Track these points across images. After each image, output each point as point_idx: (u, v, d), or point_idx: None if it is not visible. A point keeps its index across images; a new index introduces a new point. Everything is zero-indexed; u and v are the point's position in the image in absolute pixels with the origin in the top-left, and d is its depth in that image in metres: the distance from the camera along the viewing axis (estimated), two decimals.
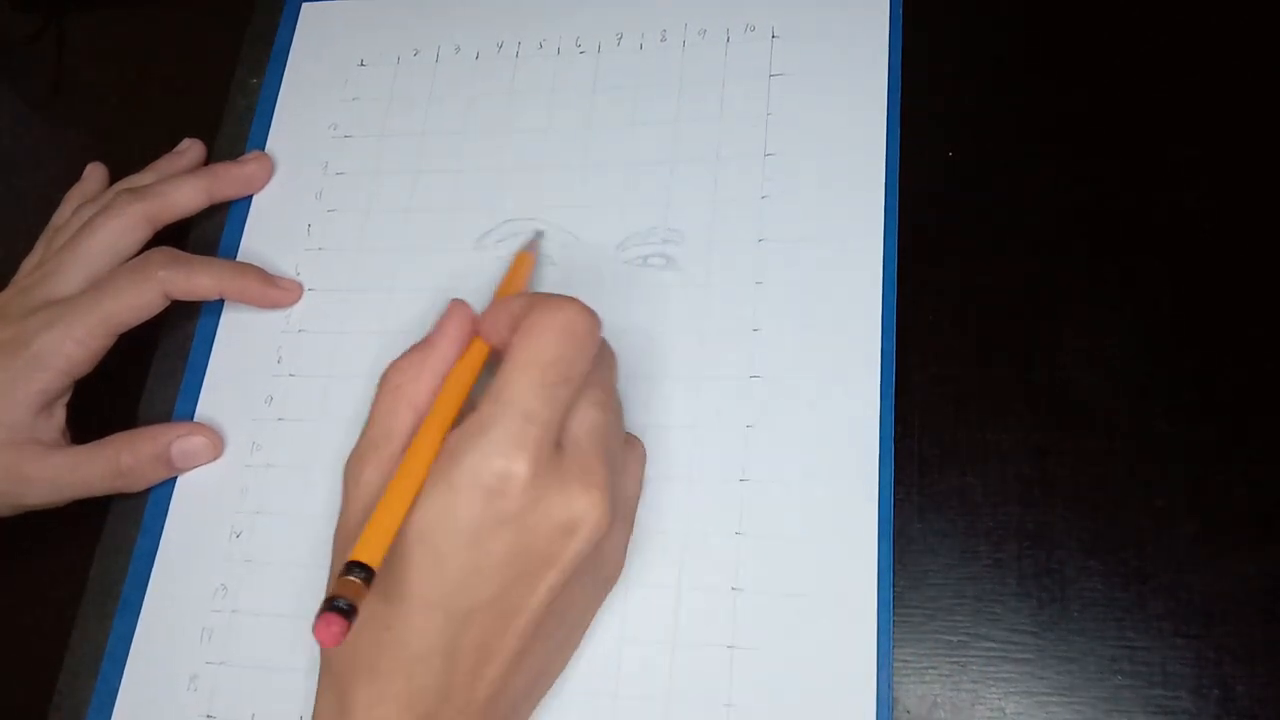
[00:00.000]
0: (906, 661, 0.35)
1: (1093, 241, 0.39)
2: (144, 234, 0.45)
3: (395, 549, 0.31)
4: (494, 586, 0.31)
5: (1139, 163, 0.40)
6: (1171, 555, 0.35)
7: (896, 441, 0.37)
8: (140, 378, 0.45)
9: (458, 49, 0.48)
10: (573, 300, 0.33)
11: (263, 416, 0.43)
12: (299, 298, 0.45)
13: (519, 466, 0.31)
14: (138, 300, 0.42)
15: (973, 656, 0.35)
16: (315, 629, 0.28)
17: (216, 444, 0.43)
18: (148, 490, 0.43)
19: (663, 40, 0.46)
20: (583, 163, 0.44)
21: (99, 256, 0.44)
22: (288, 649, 0.39)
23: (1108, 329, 0.38)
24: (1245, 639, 0.34)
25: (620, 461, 0.35)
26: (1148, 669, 0.34)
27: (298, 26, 0.51)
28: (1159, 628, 0.34)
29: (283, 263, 0.46)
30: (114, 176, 0.49)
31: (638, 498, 0.37)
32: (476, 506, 0.31)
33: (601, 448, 0.33)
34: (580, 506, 0.31)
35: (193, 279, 0.43)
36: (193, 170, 0.48)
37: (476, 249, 0.44)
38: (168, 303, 0.43)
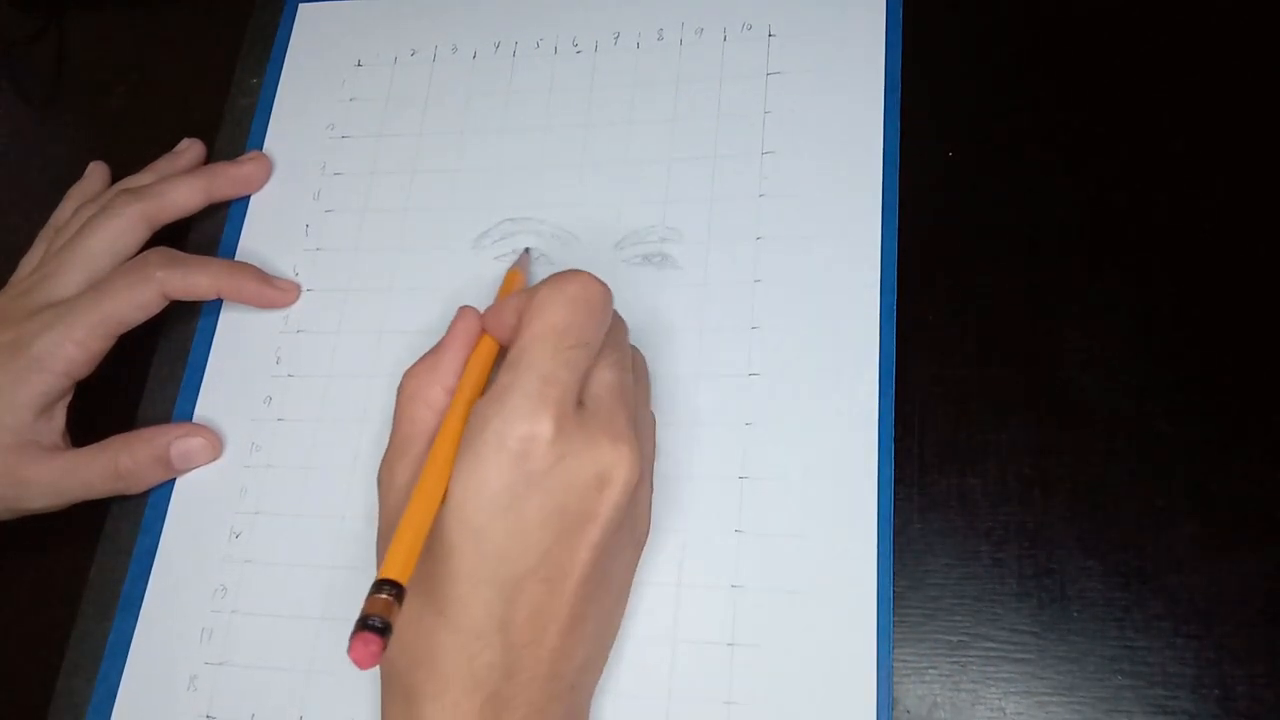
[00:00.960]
0: (906, 661, 0.35)
1: (1093, 241, 0.39)
2: (143, 234, 0.44)
3: (433, 532, 0.31)
4: (536, 551, 0.31)
5: (1139, 162, 0.40)
6: (1171, 555, 0.35)
7: (896, 441, 0.37)
8: (139, 380, 0.45)
9: (455, 49, 0.48)
10: (581, 271, 0.34)
11: (262, 417, 0.43)
12: (296, 298, 0.45)
13: (543, 426, 0.31)
14: (136, 300, 0.42)
15: (973, 656, 0.35)
16: (351, 650, 0.28)
17: (215, 445, 0.43)
18: (148, 491, 0.42)
19: (660, 39, 0.45)
20: (581, 162, 0.44)
21: (98, 257, 0.43)
22: (287, 649, 0.39)
23: (1108, 329, 0.38)
24: (1245, 639, 0.33)
25: (642, 421, 0.36)
26: (1148, 669, 0.34)
27: (295, 27, 0.51)
28: (1159, 628, 0.34)
29: (281, 263, 0.46)
30: (115, 176, 0.49)
31: (653, 461, 0.38)
32: (506, 472, 0.31)
33: (623, 403, 0.33)
34: (609, 459, 0.31)
35: (190, 279, 0.43)
36: (192, 170, 0.47)
37: (474, 249, 0.44)
38: (166, 303, 0.43)
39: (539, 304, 0.33)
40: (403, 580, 0.29)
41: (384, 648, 0.28)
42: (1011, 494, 0.36)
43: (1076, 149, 0.40)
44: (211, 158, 0.49)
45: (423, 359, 0.35)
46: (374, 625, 0.28)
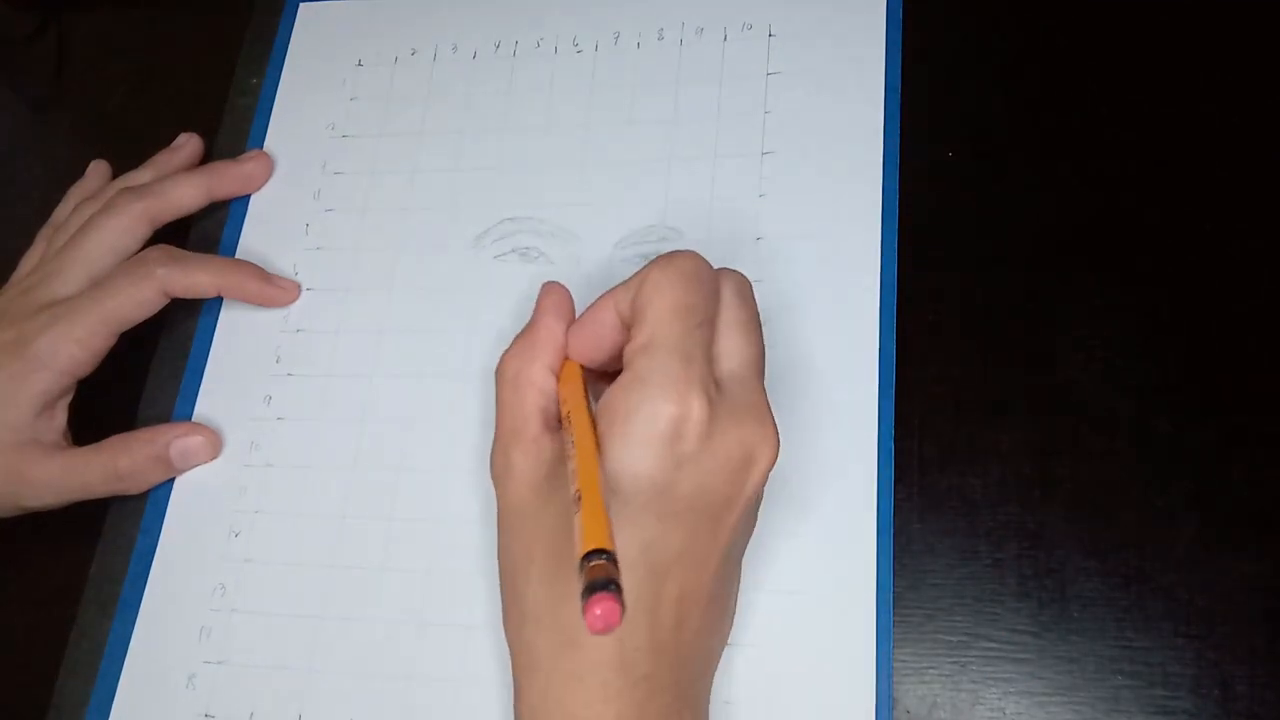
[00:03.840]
0: (906, 661, 0.34)
1: (1093, 241, 0.38)
2: (144, 232, 0.43)
3: None
4: (684, 533, 0.30)
5: (1139, 162, 0.39)
6: (1171, 555, 0.34)
7: (896, 441, 0.36)
8: (140, 379, 0.44)
9: (455, 48, 0.47)
10: (684, 250, 0.32)
11: (261, 416, 0.42)
12: (297, 297, 0.44)
13: (694, 408, 0.29)
14: (137, 298, 0.41)
15: (973, 656, 0.34)
16: (589, 613, 0.25)
17: (215, 444, 0.42)
18: (148, 490, 0.41)
19: (660, 39, 0.44)
20: (581, 161, 0.43)
21: (100, 256, 0.42)
22: (286, 648, 0.38)
23: (1108, 329, 0.37)
24: (1245, 639, 0.33)
25: None
26: (1148, 669, 0.33)
27: (296, 27, 0.49)
28: (1159, 628, 0.33)
29: (281, 262, 0.45)
30: (115, 177, 0.48)
31: None
32: (658, 455, 0.29)
33: (760, 378, 0.32)
34: (756, 437, 0.30)
35: (191, 276, 0.42)
36: (193, 168, 0.46)
37: (474, 248, 0.43)
38: (167, 300, 0.42)
39: (655, 285, 0.31)
40: (610, 546, 0.27)
41: (622, 606, 0.26)
42: (1011, 494, 0.35)
43: (1076, 149, 0.39)
44: (211, 157, 0.48)
45: (518, 339, 0.34)
46: (607, 586, 0.26)
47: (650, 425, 0.29)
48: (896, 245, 0.38)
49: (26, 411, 0.40)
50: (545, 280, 0.35)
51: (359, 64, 0.48)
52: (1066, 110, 0.40)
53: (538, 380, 0.33)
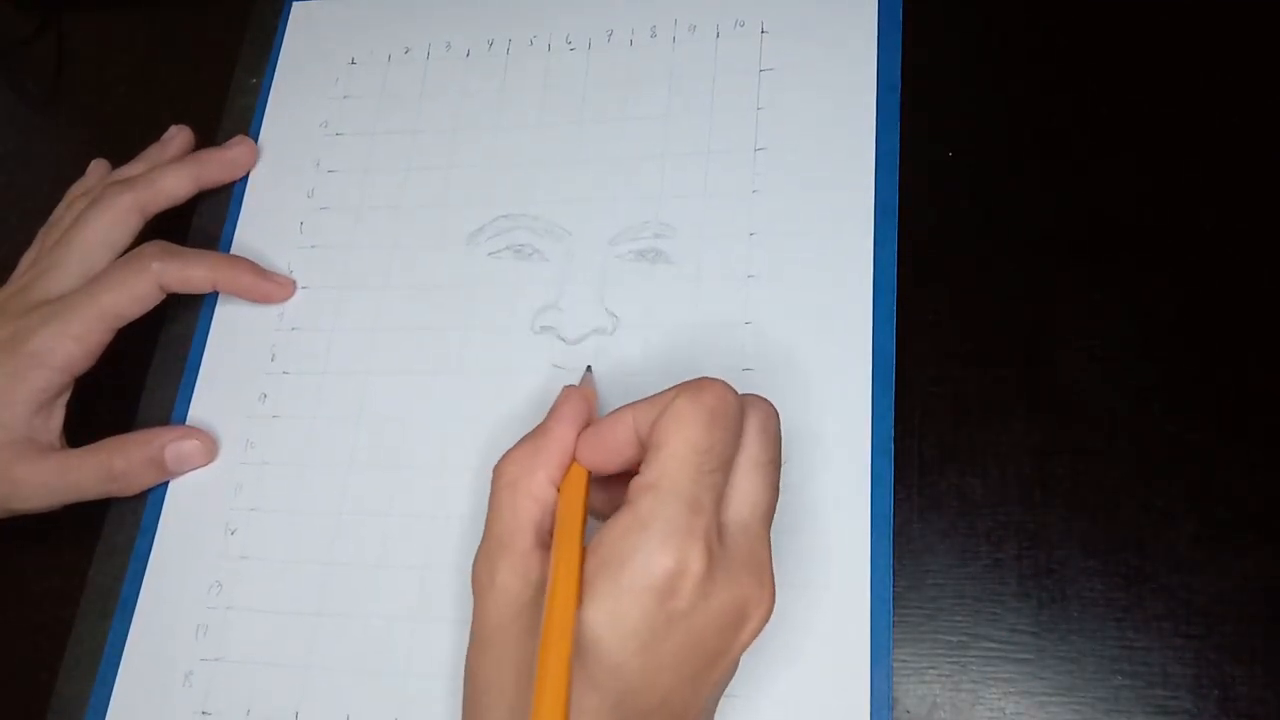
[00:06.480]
0: (906, 661, 0.32)
1: (1093, 241, 0.36)
2: (135, 224, 0.42)
3: None
4: (665, 687, 0.27)
5: (1139, 162, 0.37)
6: (1171, 555, 0.32)
7: (896, 441, 0.34)
8: (137, 378, 0.42)
9: (448, 46, 0.45)
10: (714, 380, 0.28)
11: (257, 414, 0.40)
12: (292, 293, 0.42)
13: (692, 562, 0.26)
14: (133, 293, 0.39)
15: (973, 656, 0.32)
16: None
17: (210, 447, 0.40)
18: (146, 493, 0.40)
19: (653, 36, 0.42)
20: (574, 158, 0.41)
21: (93, 250, 0.41)
22: (283, 646, 0.37)
23: (1108, 329, 0.35)
24: (1245, 639, 0.31)
25: None
26: (1148, 669, 0.31)
27: (289, 25, 0.48)
28: (1159, 628, 0.31)
29: (275, 260, 0.43)
30: None
31: None
32: (648, 608, 0.26)
33: (767, 528, 0.29)
34: (751, 598, 0.27)
35: (186, 270, 0.40)
36: (180, 158, 0.44)
37: (468, 245, 0.41)
38: (163, 295, 0.40)
39: (677, 418, 0.27)
40: None
41: None
42: (1011, 494, 0.34)
43: (1076, 148, 0.37)
44: None
45: (522, 443, 0.30)
46: None
47: (644, 577, 0.26)
48: (896, 244, 0.37)
49: (23, 410, 0.38)
50: (566, 385, 0.31)
51: (352, 62, 0.46)
52: (1066, 110, 0.38)
53: (537, 491, 0.29)
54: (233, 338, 0.42)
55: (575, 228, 0.40)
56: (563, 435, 0.30)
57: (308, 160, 0.44)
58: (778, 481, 0.29)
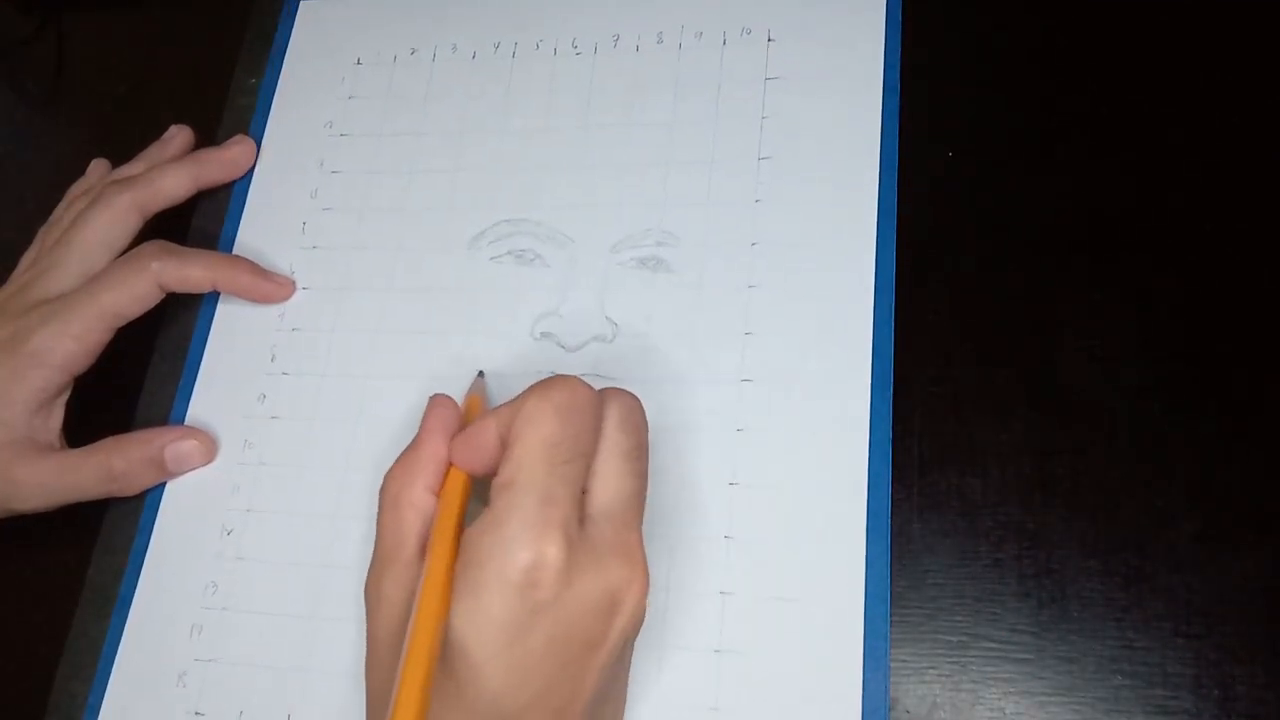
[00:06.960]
0: (906, 662, 0.32)
1: (1093, 241, 0.36)
2: (135, 223, 0.41)
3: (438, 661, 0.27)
4: (539, 682, 0.27)
5: (1139, 162, 0.37)
6: (1171, 555, 0.32)
7: (896, 441, 0.34)
8: (135, 378, 0.42)
9: (455, 49, 0.45)
10: (566, 376, 0.29)
11: (255, 414, 0.40)
12: (292, 293, 0.42)
13: (550, 553, 0.26)
14: (132, 292, 0.39)
15: (973, 656, 0.32)
16: None
17: (209, 448, 0.39)
18: (144, 493, 0.39)
19: (659, 42, 0.42)
20: (578, 164, 0.41)
21: (92, 249, 0.40)
22: (277, 647, 0.36)
23: (1108, 329, 0.35)
24: (1245, 639, 0.31)
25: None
26: (1148, 669, 0.31)
27: (295, 25, 0.47)
28: (1159, 628, 0.31)
29: (277, 261, 0.43)
30: None
31: None
32: (511, 605, 0.26)
33: (635, 513, 0.29)
34: (621, 579, 0.27)
35: (185, 269, 0.40)
36: (179, 158, 0.44)
37: (471, 249, 0.41)
38: (163, 295, 0.40)
39: (527, 417, 0.28)
40: None
41: None
42: (1011, 494, 0.33)
43: (1076, 148, 0.38)
44: None
45: (400, 459, 0.31)
46: None
47: (503, 572, 0.26)
48: (895, 247, 0.36)
49: (22, 409, 0.38)
50: (433, 394, 0.32)
51: (358, 62, 0.46)
52: (1066, 110, 0.38)
53: (417, 501, 0.30)
54: (232, 338, 0.41)
55: (578, 234, 0.40)
56: (433, 443, 0.30)
57: (312, 160, 0.44)
58: (644, 469, 0.30)
